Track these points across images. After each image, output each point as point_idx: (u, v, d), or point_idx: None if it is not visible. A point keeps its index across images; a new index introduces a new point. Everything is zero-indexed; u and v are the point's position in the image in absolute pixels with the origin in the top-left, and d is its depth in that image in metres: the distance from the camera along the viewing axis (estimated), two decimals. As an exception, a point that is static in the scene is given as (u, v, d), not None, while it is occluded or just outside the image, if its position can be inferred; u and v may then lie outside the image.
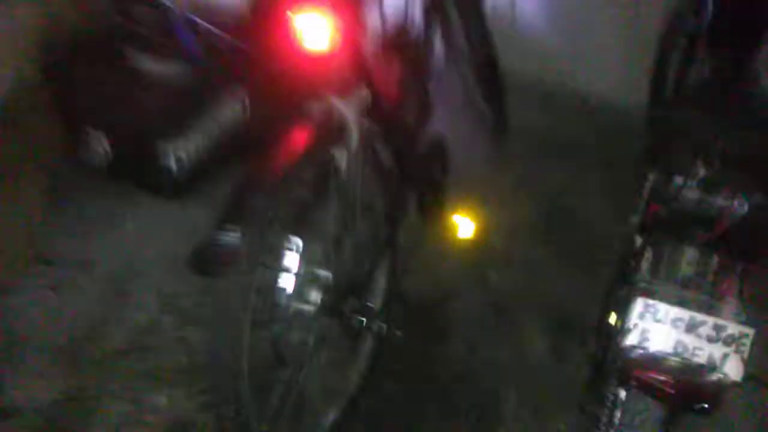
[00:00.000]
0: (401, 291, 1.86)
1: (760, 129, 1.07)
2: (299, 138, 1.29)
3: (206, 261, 1.27)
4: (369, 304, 1.50)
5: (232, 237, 1.19)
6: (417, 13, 1.64)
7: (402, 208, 1.70)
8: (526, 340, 1.91)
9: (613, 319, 1.12)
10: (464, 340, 1.89)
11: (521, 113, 2.69)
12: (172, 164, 1.82)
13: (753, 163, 1.04)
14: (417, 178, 1.79)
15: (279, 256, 1.29)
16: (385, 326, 1.50)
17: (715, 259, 1.06)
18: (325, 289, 1.36)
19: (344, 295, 1.43)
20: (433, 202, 1.92)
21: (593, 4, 2.61)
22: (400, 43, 1.61)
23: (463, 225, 2.11)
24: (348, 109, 1.37)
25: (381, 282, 1.70)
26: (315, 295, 1.35)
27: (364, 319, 1.44)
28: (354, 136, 1.37)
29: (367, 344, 1.63)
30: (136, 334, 1.77)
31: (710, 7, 1.52)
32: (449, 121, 2.55)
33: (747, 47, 1.39)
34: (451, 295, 2.00)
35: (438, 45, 1.84)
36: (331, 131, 1.33)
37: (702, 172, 1.08)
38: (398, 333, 1.55)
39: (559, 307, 1.98)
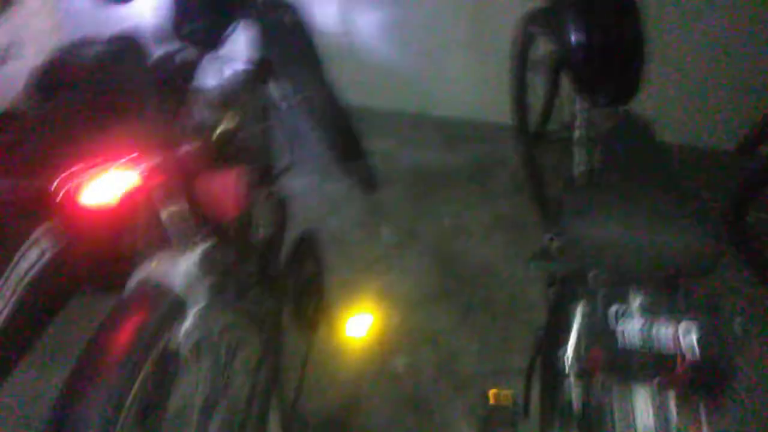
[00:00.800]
0: (302, 420, 1.56)
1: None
2: (124, 331, 0.94)
3: None
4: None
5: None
6: (242, 108, 1.31)
7: (278, 345, 1.38)
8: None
9: None
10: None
11: (389, 152, 2.46)
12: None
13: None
14: (289, 290, 1.48)
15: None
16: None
17: (672, 404, 0.85)
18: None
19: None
20: (314, 306, 1.61)
21: (439, 27, 2.38)
22: (229, 150, 1.27)
23: (355, 317, 1.83)
24: (182, 267, 1.03)
25: (275, 423, 1.40)
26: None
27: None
28: (195, 299, 1.04)
29: None
30: None
31: (570, 38, 1.31)
32: (309, 195, 2.27)
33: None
34: (359, 402, 1.71)
35: (278, 128, 1.52)
36: (159, 309, 0.98)
37: (639, 297, 0.86)
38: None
39: (480, 382, 1.76)
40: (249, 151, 1.35)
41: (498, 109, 2.21)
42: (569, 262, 0.93)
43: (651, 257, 0.86)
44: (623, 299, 0.86)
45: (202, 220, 1.19)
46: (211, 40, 1.29)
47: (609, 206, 0.90)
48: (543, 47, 1.75)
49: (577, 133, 1.31)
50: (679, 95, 2.26)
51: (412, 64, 2.46)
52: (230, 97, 1.33)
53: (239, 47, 1.48)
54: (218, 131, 1.28)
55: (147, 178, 1.00)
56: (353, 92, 2.56)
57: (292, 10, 1.66)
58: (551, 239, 1.16)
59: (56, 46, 1.10)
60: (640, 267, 0.87)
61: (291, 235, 1.54)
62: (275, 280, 1.43)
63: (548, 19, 1.61)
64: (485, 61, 2.36)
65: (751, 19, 2.11)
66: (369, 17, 2.38)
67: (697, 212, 0.88)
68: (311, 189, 2.26)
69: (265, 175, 1.40)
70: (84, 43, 1.12)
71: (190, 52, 1.18)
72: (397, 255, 2.09)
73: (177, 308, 0.99)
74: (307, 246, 1.58)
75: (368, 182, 2.09)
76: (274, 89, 1.56)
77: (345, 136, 1.82)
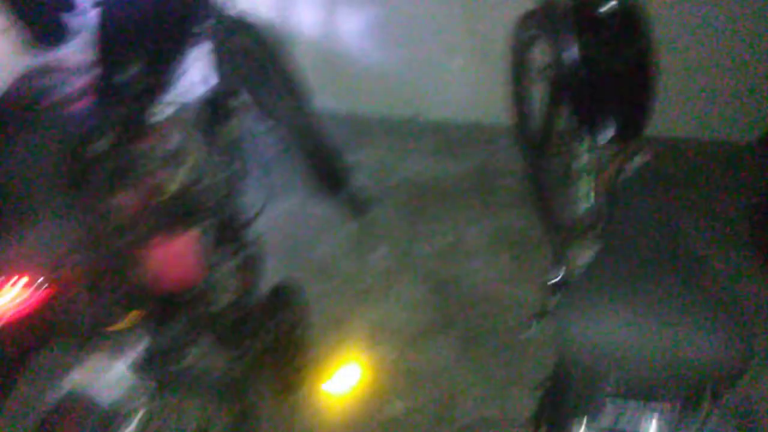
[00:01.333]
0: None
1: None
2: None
3: None
4: None
5: None
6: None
7: (254, 417, 1.24)
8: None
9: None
10: None
11: (381, 164, 2.29)
12: None
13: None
14: (262, 354, 1.33)
15: None
16: None
17: None
18: None
19: None
20: (294, 364, 1.46)
21: (431, 24, 2.17)
22: (183, 210, 1.11)
23: (346, 364, 1.69)
24: (113, 373, 0.89)
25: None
26: None
27: None
28: (133, 406, 0.90)
29: None
30: None
31: (568, 59, 1.13)
32: (292, 220, 2.11)
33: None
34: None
35: (249, 164, 1.35)
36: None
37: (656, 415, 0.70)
38: None
39: (484, 429, 1.62)
40: (209, 204, 1.20)
41: (499, 109, 2.02)
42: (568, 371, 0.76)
43: (668, 366, 0.69)
44: (635, 418, 0.70)
45: (144, 302, 1.04)
46: (155, 85, 1.12)
47: (615, 300, 0.73)
48: (544, 51, 1.56)
49: (577, 175, 1.14)
50: (691, 87, 2.06)
51: (404, 65, 2.27)
52: (182, 147, 1.17)
53: (195, 79, 1.31)
54: (167, 191, 1.12)
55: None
56: (341, 98, 2.40)
57: (256, 30, 1.49)
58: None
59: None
60: (655, 378, 0.70)
61: (265, 289, 1.39)
62: (245, 345, 1.28)
63: (547, 23, 1.41)
64: (483, 57, 2.16)
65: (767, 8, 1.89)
66: (355, 19, 2.18)
67: (721, 303, 0.72)
68: (294, 213, 2.10)
69: (228, 230, 1.24)
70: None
71: (122, 113, 1.02)
72: (391, 282, 1.94)
73: (106, 425, 0.85)
74: (283, 299, 1.43)
75: (357, 206, 1.93)
76: (242, 121, 1.39)
77: (325, 166, 1.66)
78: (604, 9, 1.03)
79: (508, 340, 1.76)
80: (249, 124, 1.47)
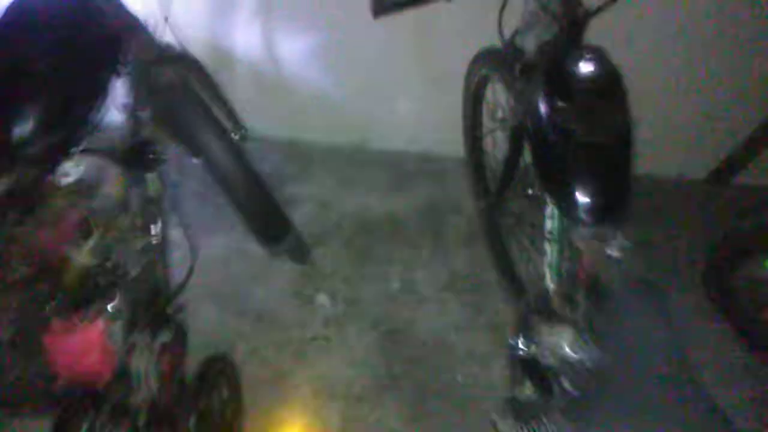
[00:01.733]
0: None
1: None
2: None
3: None
4: None
5: None
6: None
7: None
8: None
9: None
10: None
11: (325, 198, 2.14)
12: None
13: None
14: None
15: None
16: None
17: None
18: None
19: None
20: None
21: (381, 50, 2.03)
22: (91, 291, 0.93)
23: (284, 429, 1.53)
24: None
25: None
26: None
27: None
28: None
29: None
30: None
31: (535, 120, 1.01)
32: (228, 260, 1.93)
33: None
34: None
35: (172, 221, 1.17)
36: None
37: None
38: None
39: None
40: (123, 279, 1.01)
41: (450, 140, 1.92)
42: None
43: None
44: None
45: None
46: (60, 142, 0.93)
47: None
48: (501, 94, 1.45)
49: (541, 241, 1.03)
50: (650, 123, 2.01)
51: (351, 91, 2.12)
52: (91, 213, 0.98)
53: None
54: (71, 267, 0.93)
55: None
56: (284, 125, 2.23)
57: (183, 62, 1.31)
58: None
59: None
60: None
61: (191, 367, 1.21)
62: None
63: (506, 67, 1.29)
64: (435, 86, 2.03)
65: (721, 49, 1.87)
66: (302, 42, 2.01)
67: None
68: (229, 252, 1.92)
69: (146, 308, 1.06)
70: None
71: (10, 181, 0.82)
72: (336, 331, 1.79)
73: None
74: (213, 379, 1.25)
75: (299, 254, 1.77)
76: (164, 172, 1.20)
77: (263, 214, 1.49)
78: (579, 70, 0.92)
79: (462, 396, 1.65)
80: (170, 171, 1.29)
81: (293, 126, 2.23)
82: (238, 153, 1.43)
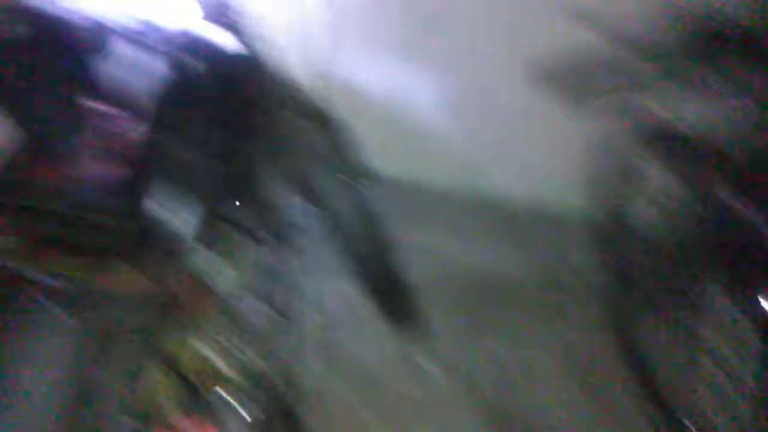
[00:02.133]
0: None
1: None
2: None
3: None
4: None
5: None
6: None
7: None
8: None
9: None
10: None
11: (433, 248, 1.95)
12: None
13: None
14: None
15: None
16: None
17: None
18: None
19: None
20: None
21: (509, 104, 1.84)
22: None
23: None
24: None
25: None
26: None
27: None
28: None
29: None
30: None
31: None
32: (322, 303, 1.76)
33: None
34: None
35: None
36: None
37: None
38: None
39: None
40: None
41: (579, 194, 1.75)
42: None
43: None
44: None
45: None
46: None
47: None
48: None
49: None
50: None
51: (475, 135, 1.94)
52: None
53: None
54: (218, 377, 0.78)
55: None
56: (391, 160, 2.05)
57: (322, 118, 1.15)
58: None
59: None
60: None
61: None
62: None
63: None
64: (565, 140, 1.82)
65: None
66: (428, 81, 1.85)
67: None
68: (325, 293, 1.75)
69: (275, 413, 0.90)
70: None
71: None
72: (446, 407, 1.60)
73: None
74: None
75: (409, 314, 1.60)
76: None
77: (386, 283, 1.33)
78: None
79: None
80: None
81: (412, 164, 2.05)
82: (368, 216, 1.28)
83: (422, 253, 1.92)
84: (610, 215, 1.66)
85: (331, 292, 1.76)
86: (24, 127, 0.77)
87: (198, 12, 0.92)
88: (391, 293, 1.52)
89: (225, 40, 0.88)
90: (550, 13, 1.60)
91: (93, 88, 0.79)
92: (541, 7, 1.63)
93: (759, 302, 0.97)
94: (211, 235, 0.78)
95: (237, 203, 0.89)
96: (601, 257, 1.72)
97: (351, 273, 1.49)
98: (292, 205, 1.20)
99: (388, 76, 1.89)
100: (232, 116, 0.85)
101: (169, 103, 0.78)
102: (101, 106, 0.80)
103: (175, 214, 0.72)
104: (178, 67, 0.80)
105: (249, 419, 0.83)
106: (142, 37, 0.81)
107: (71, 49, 0.82)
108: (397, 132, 1.98)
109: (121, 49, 0.82)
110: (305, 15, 1.67)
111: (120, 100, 0.78)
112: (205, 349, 0.82)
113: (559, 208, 1.99)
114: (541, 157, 1.92)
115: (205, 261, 0.78)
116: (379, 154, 1.67)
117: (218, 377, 0.79)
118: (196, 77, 0.83)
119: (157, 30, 0.86)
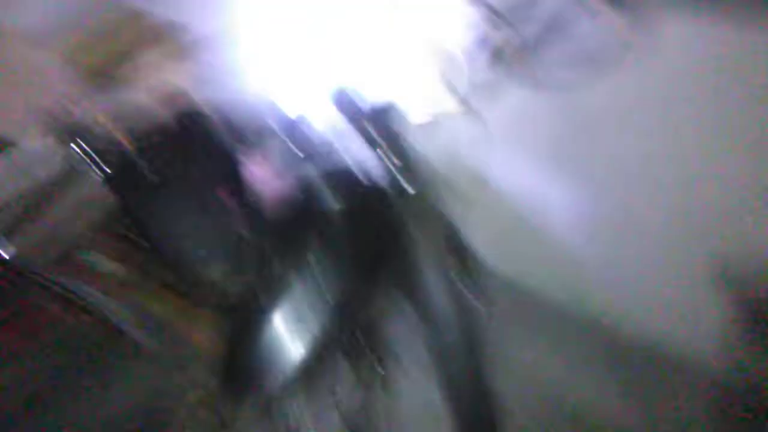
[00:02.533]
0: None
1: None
2: None
3: None
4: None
5: None
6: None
7: None
8: None
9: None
10: None
11: (527, 368, 1.73)
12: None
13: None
14: None
15: None
16: None
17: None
18: None
19: None
20: None
21: (648, 229, 1.66)
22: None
23: None
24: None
25: None
26: None
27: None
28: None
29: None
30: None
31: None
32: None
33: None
34: None
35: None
36: None
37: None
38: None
39: None
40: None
41: (713, 348, 1.54)
42: None
43: None
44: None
45: None
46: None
47: None
48: None
49: None
50: None
51: (608, 258, 1.76)
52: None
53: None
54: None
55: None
56: (519, 265, 1.88)
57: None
58: None
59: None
60: None
61: None
62: None
63: None
64: (707, 282, 1.60)
65: None
66: (562, 191, 1.73)
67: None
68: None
69: None
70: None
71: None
72: None
73: None
74: None
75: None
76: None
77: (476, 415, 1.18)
78: None
79: None
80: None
81: (530, 270, 1.89)
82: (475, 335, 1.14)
83: (512, 372, 1.72)
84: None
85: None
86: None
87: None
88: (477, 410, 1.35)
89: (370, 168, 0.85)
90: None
91: (233, 191, 0.75)
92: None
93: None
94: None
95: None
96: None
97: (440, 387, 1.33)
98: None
99: (531, 183, 1.77)
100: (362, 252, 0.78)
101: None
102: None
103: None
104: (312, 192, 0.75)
105: None
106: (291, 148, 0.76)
107: (221, 151, 0.79)
108: (526, 236, 1.84)
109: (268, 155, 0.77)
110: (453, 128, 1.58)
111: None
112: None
113: (683, 351, 1.74)
114: (671, 293, 1.69)
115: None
116: (504, 255, 1.56)
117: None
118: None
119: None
